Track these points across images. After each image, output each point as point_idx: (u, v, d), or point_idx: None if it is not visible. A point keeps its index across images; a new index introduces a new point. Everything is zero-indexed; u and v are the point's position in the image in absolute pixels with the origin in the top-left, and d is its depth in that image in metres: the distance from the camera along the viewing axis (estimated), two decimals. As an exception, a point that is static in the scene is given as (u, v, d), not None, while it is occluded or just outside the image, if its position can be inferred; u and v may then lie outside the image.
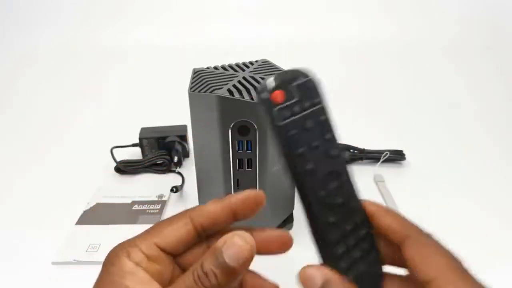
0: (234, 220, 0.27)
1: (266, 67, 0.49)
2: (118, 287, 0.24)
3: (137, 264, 0.26)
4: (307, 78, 0.26)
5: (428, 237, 0.26)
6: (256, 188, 0.48)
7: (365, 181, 0.65)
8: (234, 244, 0.24)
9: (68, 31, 1.23)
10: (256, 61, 0.51)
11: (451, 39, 1.18)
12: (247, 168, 0.46)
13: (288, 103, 0.24)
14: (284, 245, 0.29)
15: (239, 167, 0.47)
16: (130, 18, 1.25)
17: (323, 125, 0.26)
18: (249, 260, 0.24)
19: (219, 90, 0.43)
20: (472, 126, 0.82)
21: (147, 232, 0.27)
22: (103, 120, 0.87)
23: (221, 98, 0.42)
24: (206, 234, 0.27)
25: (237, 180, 0.47)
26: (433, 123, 0.83)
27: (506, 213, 0.55)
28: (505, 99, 0.93)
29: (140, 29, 1.24)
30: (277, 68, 0.49)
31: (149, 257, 0.26)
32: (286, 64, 0.52)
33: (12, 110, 0.93)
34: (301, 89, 0.25)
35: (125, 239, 0.28)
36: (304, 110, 0.25)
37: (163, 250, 0.27)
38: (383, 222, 0.27)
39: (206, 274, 0.24)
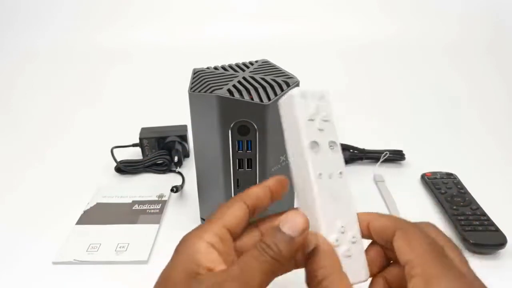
0: (271, 202, 0.31)
1: (266, 67, 0.49)
2: (198, 266, 0.26)
3: (212, 245, 0.28)
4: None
5: (415, 227, 0.29)
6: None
7: (365, 181, 0.65)
8: (290, 218, 0.27)
9: (68, 31, 1.23)
10: (256, 61, 0.51)
11: (451, 39, 1.18)
12: (247, 168, 0.46)
13: None
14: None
15: (239, 167, 0.47)
16: (130, 18, 1.25)
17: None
18: (305, 230, 0.27)
19: (219, 90, 0.43)
20: (472, 126, 0.82)
21: (212, 217, 0.30)
22: (103, 120, 0.87)
23: (221, 98, 0.42)
24: (253, 217, 0.30)
25: (237, 180, 0.47)
26: (433, 123, 0.83)
27: (506, 213, 0.55)
28: (506, 99, 0.93)
29: (140, 29, 1.24)
30: (277, 68, 0.49)
31: (222, 238, 0.28)
32: (286, 64, 0.52)
33: (12, 110, 0.94)
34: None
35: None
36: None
37: (229, 231, 0.29)
38: (378, 224, 0.30)
39: (268, 246, 0.26)
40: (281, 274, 0.28)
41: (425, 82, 1.02)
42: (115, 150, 0.68)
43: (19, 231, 0.56)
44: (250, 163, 0.46)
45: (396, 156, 0.69)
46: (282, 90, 0.44)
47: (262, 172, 0.46)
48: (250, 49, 1.12)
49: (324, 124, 0.30)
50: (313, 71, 0.97)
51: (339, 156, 0.31)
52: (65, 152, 0.75)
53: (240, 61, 0.51)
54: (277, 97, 0.43)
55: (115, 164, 0.67)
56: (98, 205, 0.60)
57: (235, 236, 0.30)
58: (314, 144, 0.29)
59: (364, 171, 0.67)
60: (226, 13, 1.26)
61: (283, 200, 0.53)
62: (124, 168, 0.67)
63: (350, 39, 1.19)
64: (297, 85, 0.46)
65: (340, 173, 0.30)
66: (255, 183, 0.47)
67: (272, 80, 0.45)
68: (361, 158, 0.69)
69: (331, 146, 0.30)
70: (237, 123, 0.43)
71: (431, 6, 1.23)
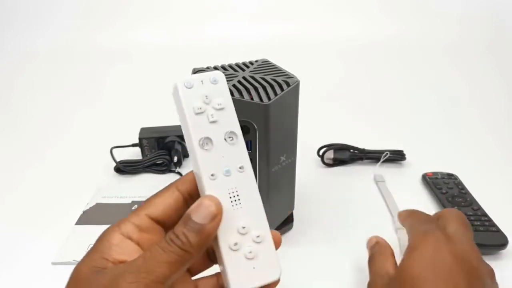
0: None
1: (266, 67, 0.49)
2: (106, 260, 0.26)
3: (127, 236, 0.27)
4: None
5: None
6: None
7: (365, 181, 0.65)
8: (200, 204, 0.26)
9: (68, 31, 1.23)
10: (256, 61, 0.50)
11: (451, 39, 1.18)
12: (247, 168, 0.46)
13: None
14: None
15: (239, 167, 0.46)
16: (130, 18, 1.25)
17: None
18: (216, 217, 0.26)
19: (219, 90, 0.43)
20: (473, 125, 0.82)
21: (139, 207, 0.29)
22: (103, 120, 0.87)
23: (221, 98, 0.42)
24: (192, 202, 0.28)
25: (237, 180, 0.47)
26: (433, 123, 0.83)
27: (507, 213, 0.55)
28: (506, 99, 0.93)
29: (140, 29, 1.24)
30: (277, 68, 0.49)
31: (140, 228, 0.28)
32: (286, 64, 0.52)
33: (12, 110, 0.93)
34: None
35: None
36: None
37: (155, 220, 0.28)
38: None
39: (177, 236, 0.25)
40: (190, 264, 0.26)
41: (425, 82, 1.02)
42: (114, 150, 0.68)
43: (18, 231, 0.56)
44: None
45: (396, 156, 0.68)
46: (282, 90, 0.44)
47: (262, 172, 0.46)
48: (250, 49, 1.12)
49: (218, 114, 0.27)
50: (313, 71, 0.97)
51: (240, 148, 0.27)
52: (64, 152, 0.75)
53: (240, 60, 0.50)
54: (277, 96, 0.43)
55: (114, 164, 0.67)
56: (98, 205, 0.60)
57: (168, 221, 0.28)
58: (206, 140, 0.27)
59: (365, 171, 0.67)
60: (226, 13, 1.26)
61: (283, 202, 0.53)
62: (124, 168, 0.67)
63: (350, 39, 1.19)
64: (297, 85, 0.45)
65: (241, 167, 0.27)
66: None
67: (272, 80, 0.45)
68: (361, 158, 0.69)
69: (229, 138, 0.27)
70: (237, 123, 0.43)
71: (431, 6, 1.23)
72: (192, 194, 0.29)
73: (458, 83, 1.00)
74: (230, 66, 0.49)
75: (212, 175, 0.27)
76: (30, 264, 0.50)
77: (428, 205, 0.59)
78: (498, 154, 0.72)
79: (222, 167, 0.27)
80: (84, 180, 0.66)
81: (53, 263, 0.50)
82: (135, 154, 0.71)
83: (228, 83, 0.44)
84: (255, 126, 0.43)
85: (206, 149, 0.27)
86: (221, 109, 0.27)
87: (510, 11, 1.20)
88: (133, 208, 0.59)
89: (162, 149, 0.69)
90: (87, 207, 0.60)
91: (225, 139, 0.27)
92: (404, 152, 0.69)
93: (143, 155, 0.70)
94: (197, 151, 0.27)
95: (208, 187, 0.26)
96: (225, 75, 0.47)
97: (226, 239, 0.26)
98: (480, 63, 1.08)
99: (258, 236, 0.27)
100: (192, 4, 1.26)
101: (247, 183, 0.27)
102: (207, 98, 0.27)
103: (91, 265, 0.26)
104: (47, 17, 1.24)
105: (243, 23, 1.23)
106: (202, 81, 0.27)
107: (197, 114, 0.27)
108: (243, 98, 0.42)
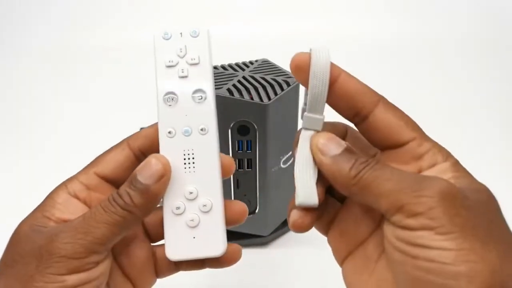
0: None
1: (266, 66, 0.49)
2: (48, 218, 0.25)
3: (74, 194, 0.26)
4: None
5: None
6: (256, 187, 0.47)
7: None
8: (146, 163, 0.24)
9: (67, 31, 1.23)
10: (256, 61, 0.50)
11: (452, 38, 1.18)
12: (247, 168, 0.46)
13: None
14: (240, 215, 0.27)
15: (239, 167, 0.46)
16: (130, 17, 1.25)
17: None
18: (162, 177, 0.24)
19: (218, 89, 0.43)
20: (474, 126, 0.82)
21: (87, 165, 0.28)
22: (103, 120, 0.87)
23: (221, 98, 0.42)
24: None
25: (237, 180, 0.47)
26: (433, 123, 0.82)
27: (508, 213, 0.55)
28: (507, 99, 0.93)
29: (140, 29, 1.23)
30: (277, 67, 0.49)
31: (88, 187, 0.27)
32: (286, 64, 0.52)
33: (10, 109, 0.93)
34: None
35: None
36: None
37: (104, 178, 0.27)
38: (351, 85, 0.26)
39: (120, 195, 0.24)
40: (133, 227, 0.25)
41: (426, 81, 1.02)
42: (114, 150, 0.68)
43: (18, 232, 0.56)
44: (250, 163, 0.46)
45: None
46: (282, 89, 0.44)
47: (262, 172, 0.46)
48: (250, 49, 1.11)
49: (190, 69, 0.25)
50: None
51: (207, 108, 0.25)
52: (64, 152, 0.75)
53: (240, 60, 0.50)
54: (277, 96, 0.43)
55: (114, 164, 0.67)
56: (98, 205, 0.60)
57: (118, 179, 0.27)
58: (172, 95, 0.25)
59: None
60: (226, 13, 1.26)
61: (283, 202, 0.53)
62: (124, 168, 0.67)
63: (350, 39, 1.19)
64: (297, 84, 0.45)
65: (203, 129, 0.25)
66: (255, 183, 0.47)
67: (272, 80, 0.45)
68: (361, 158, 0.69)
69: (197, 96, 0.25)
70: (237, 123, 0.43)
71: (434, 6, 1.23)
72: (145, 152, 0.27)
73: (460, 83, 1.00)
74: (230, 66, 0.49)
75: (169, 132, 0.25)
76: (30, 264, 0.50)
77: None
78: (501, 155, 0.72)
79: (182, 126, 0.25)
80: (84, 180, 0.66)
81: (53, 263, 0.50)
82: (135, 154, 0.70)
83: (228, 83, 0.44)
84: (255, 126, 0.43)
85: (169, 105, 0.26)
86: (195, 64, 0.26)
87: (510, 11, 1.20)
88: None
89: (162, 149, 0.69)
90: (87, 207, 0.60)
91: (192, 97, 0.25)
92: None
93: (143, 155, 0.70)
94: (160, 106, 0.25)
95: (163, 145, 0.25)
96: (225, 74, 0.47)
97: (170, 203, 0.25)
98: (483, 62, 1.08)
99: (205, 205, 0.25)
100: (192, 4, 1.26)
101: (206, 147, 0.25)
102: (181, 51, 0.25)
103: (32, 223, 0.26)
104: (46, 17, 1.24)
105: (243, 23, 1.23)
106: (181, 33, 0.26)
107: (167, 67, 0.26)
108: (243, 98, 0.42)
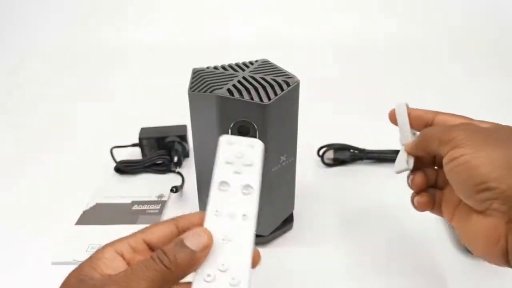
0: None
1: (266, 67, 0.49)
2: (94, 270, 0.27)
3: (120, 253, 0.29)
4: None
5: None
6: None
7: (365, 181, 0.65)
8: (195, 232, 0.28)
9: (68, 30, 1.23)
10: (256, 61, 0.50)
11: (451, 38, 1.18)
12: (247, 168, 0.46)
13: None
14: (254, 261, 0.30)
15: (239, 167, 0.46)
16: (130, 17, 1.25)
17: None
18: (207, 248, 0.27)
19: (219, 90, 0.43)
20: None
21: (137, 231, 0.31)
22: (103, 120, 0.87)
23: (221, 98, 0.42)
24: None
25: (237, 180, 0.47)
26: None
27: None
28: (507, 99, 0.93)
29: (140, 29, 1.24)
30: (277, 68, 0.49)
31: (134, 250, 0.30)
32: (286, 64, 0.52)
33: (12, 109, 0.93)
34: None
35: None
36: None
37: (149, 245, 0.30)
38: (417, 111, 0.42)
39: (165, 253, 0.26)
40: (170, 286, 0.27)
41: (425, 81, 1.02)
42: (114, 150, 0.68)
43: (18, 231, 0.56)
44: (250, 163, 0.46)
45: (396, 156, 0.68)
46: (282, 90, 0.44)
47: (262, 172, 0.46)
48: (250, 49, 1.12)
49: (244, 168, 0.31)
50: (313, 71, 0.97)
51: (252, 201, 0.30)
52: (64, 152, 0.75)
53: (240, 60, 0.50)
54: (277, 96, 0.43)
55: (114, 164, 0.67)
56: (98, 205, 0.60)
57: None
58: (225, 184, 0.31)
59: (365, 171, 0.67)
60: (226, 13, 1.26)
61: (283, 202, 0.53)
62: (124, 168, 0.67)
63: (350, 39, 1.19)
64: (297, 85, 0.46)
65: (245, 215, 0.30)
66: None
67: (272, 80, 0.45)
68: (361, 158, 0.69)
69: (245, 189, 0.31)
70: (237, 123, 0.43)
71: (432, 6, 1.23)
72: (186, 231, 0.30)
73: (459, 83, 1.00)
74: (230, 66, 0.49)
75: (216, 211, 0.30)
76: (30, 264, 0.50)
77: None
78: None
79: (228, 209, 0.30)
80: (84, 180, 0.66)
81: (53, 263, 0.50)
82: (135, 154, 0.71)
83: (228, 83, 0.44)
84: (255, 126, 0.43)
85: (221, 190, 0.31)
86: (248, 165, 0.31)
87: (510, 11, 1.20)
88: (133, 208, 0.59)
89: (162, 149, 0.69)
90: (87, 207, 0.60)
91: (241, 190, 0.31)
92: (404, 152, 0.69)
93: (143, 155, 0.70)
94: (213, 189, 0.31)
95: (208, 221, 0.29)
96: (225, 75, 0.47)
97: (203, 270, 0.28)
98: (481, 62, 1.08)
99: (233, 279, 0.28)
100: (192, 4, 1.26)
101: (244, 230, 0.29)
102: (239, 155, 0.32)
103: (79, 273, 0.28)
104: (47, 17, 1.24)
105: (243, 23, 1.23)
106: (242, 142, 0.32)
107: (226, 163, 0.32)
108: (243, 98, 0.42)
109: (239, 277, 0.28)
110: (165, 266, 0.26)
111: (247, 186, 0.31)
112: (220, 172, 0.31)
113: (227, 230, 0.29)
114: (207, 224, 0.29)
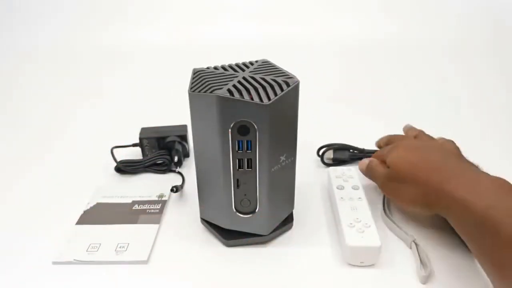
0: None
1: (266, 67, 0.49)
2: None
3: None
4: None
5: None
6: (256, 187, 0.48)
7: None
8: None
9: (68, 30, 1.23)
10: (256, 61, 0.51)
11: (451, 38, 1.18)
12: (247, 168, 0.46)
13: None
14: None
15: (239, 167, 0.47)
16: (130, 18, 1.25)
17: None
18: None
19: (219, 90, 0.43)
20: (473, 126, 0.82)
21: None
22: (103, 120, 0.87)
23: (221, 98, 0.42)
24: None
25: (237, 180, 0.47)
26: (433, 123, 0.83)
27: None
28: (506, 99, 0.93)
29: (140, 29, 1.24)
30: (277, 68, 0.49)
31: None
32: (286, 64, 0.52)
33: (12, 109, 0.94)
34: None
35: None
36: None
37: None
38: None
39: None
40: None
41: (425, 82, 1.02)
42: (115, 150, 0.68)
43: (19, 231, 0.56)
44: (250, 163, 0.46)
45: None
46: (282, 90, 0.44)
47: (262, 172, 0.46)
48: (250, 49, 1.12)
49: (352, 191, 0.57)
50: (313, 71, 0.97)
51: (362, 196, 0.55)
52: (65, 152, 0.75)
53: (240, 61, 0.51)
54: (277, 97, 0.43)
55: (115, 164, 0.67)
56: (98, 205, 0.60)
57: None
58: (343, 198, 0.55)
59: (364, 171, 0.67)
60: (226, 13, 1.26)
61: (283, 202, 0.53)
62: (124, 168, 0.67)
63: (351, 39, 1.19)
64: (297, 85, 0.46)
65: (360, 198, 0.55)
66: (255, 183, 0.47)
67: (272, 80, 0.45)
68: (361, 158, 0.69)
69: (357, 198, 0.55)
70: (237, 123, 0.43)
71: (431, 6, 1.23)
72: None
73: (459, 83, 1.00)
74: (230, 66, 0.49)
75: (341, 198, 0.56)
76: (31, 264, 0.50)
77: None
78: (498, 155, 0.72)
79: (348, 196, 0.56)
80: (85, 180, 0.66)
81: (54, 263, 0.50)
82: (135, 154, 0.71)
83: (228, 83, 0.44)
84: (255, 126, 0.43)
85: (339, 189, 0.57)
86: (356, 188, 0.57)
87: (510, 11, 1.20)
88: (133, 208, 0.59)
89: (162, 149, 0.69)
90: (88, 207, 0.60)
91: (352, 196, 0.55)
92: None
93: (143, 155, 0.70)
94: (338, 201, 0.55)
95: (337, 196, 0.56)
96: (225, 75, 0.47)
97: (346, 220, 0.51)
98: (481, 62, 1.08)
99: (365, 224, 0.50)
100: (192, 4, 1.26)
101: (362, 205, 0.54)
102: (345, 181, 0.59)
103: None
104: (47, 17, 1.24)
105: (243, 23, 1.24)
106: (343, 172, 0.60)
107: (338, 188, 0.57)
108: (243, 98, 0.42)
109: (367, 223, 0.50)
110: None
111: (358, 199, 0.55)
112: (337, 192, 0.57)
113: (352, 204, 0.54)
114: (337, 202, 0.55)
